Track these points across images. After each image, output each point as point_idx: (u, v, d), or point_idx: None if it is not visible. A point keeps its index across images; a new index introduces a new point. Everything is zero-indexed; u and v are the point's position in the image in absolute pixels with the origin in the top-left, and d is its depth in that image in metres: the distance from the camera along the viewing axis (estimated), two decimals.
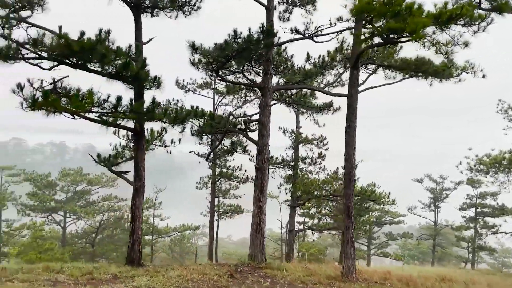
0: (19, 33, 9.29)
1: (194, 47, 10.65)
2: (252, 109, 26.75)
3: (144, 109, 9.43)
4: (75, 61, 9.34)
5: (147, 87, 10.15)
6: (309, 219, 45.51)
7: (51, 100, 7.82)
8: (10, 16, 8.75)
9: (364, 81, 15.27)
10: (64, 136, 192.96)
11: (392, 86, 15.44)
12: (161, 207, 38.38)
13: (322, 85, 17.81)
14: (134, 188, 11.30)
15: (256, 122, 14.24)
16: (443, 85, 12.48)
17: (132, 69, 9.03)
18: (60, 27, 8.13)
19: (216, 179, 25.77)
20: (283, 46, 15.16)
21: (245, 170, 26.51)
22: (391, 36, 8.03)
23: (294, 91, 18.43)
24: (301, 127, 25.63)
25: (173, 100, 16.18)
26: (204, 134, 15.55)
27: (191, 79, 26.58)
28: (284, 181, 28.40)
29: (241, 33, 10.79)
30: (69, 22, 9.38)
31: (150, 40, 11.41)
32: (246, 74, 14.00)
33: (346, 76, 16.28)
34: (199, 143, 25.29)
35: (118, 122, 9.73)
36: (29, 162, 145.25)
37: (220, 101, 25.71)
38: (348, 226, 10.93)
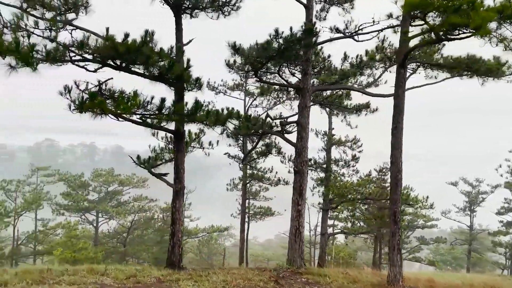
0: (64, 36, 9.36)
1: (235, 48, 10.48)
2: (284, 110, 26.47)
3: (187, 111, 9.30)
4: (118, 63, 9.34)
5: (189, 88, 10.04)
6: (338, 222, 44.85)
7: (98, 102, 7.79)
8: (56, 18, 8.78)
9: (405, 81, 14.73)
10: (94, 137, 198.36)
11: (435, 86, 14.86)
12: (190, 208, 38.56)
13: (355, 86, 17.34)
14: (174, 191, 11.21)
15: (293, 124, 13.96)
16: (492, 84, 11.84)
17: (176, 70, 8.92)
18: (107, 29, 8.11)
19: (247, 181, 25.59)
20: (319, 46, 14.84)
21: (276, 172, 26.24)
22: (451, 32, 7.57)
23: (328, 92, 18.06)
24: (333, 128, 25.15)
25: (204, 102, 16.12)
26: (239, 136, 15.38)
27: (222, 80, 26.56)
28: (316, 183, 27.97)
29: (282, 32, 10.53)
30: (108, 24, 9.35)
31: (190, 41, 11.31)
32: (281, 74, 13.75)
33: (385, 76, 15.77)
34: (231, 145, 25.36)
35: (160, 124, 9.64)
36: (61, 162, 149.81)
37: (251, 103, 25.58)
38: (395, 232, 10.47)
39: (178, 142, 11.09)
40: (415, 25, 10.38)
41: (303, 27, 10.74)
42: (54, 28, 8.67)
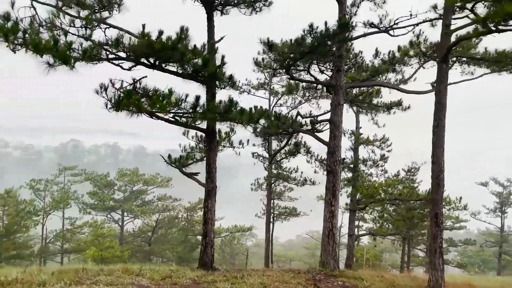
0: (98, 34, 9.30)
1: (268, 44, 10.21)
2: (310, 109, 26.03)
3: (221, 109, 9.09)
4: (152, 61, 9.22)
5: (222, 86, 9.83)
6: (363, 222, 44.08)
7: (134, 100, 7.66)
8: (91, 17, 8.72)
9: None
10: (117, 138, 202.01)
11: (472, 82, 14.23)
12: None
13: (389, 83, 16.80)
14: (206, 190, 11.04)
15: (324, 122, 13.60)
16: None
17: (210, 68, 8.72)
18: (143, 25, 7.97)
19: (272, 181, 25.30)
20: (350, 42, 14.43)
21: (301, 172, 25.85)
22: (505, 23, 7.09)
23: (357, 90, 17.58)
24: (361, 127, 24.60)
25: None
26: (267, 135, 15.11)
27: (246, 79, 26.36)
28: (342, 183, 27.46)
29: (317, 27, 10.21)
30: (136, 22, 9.24)
31: (222, 38, 11.11)
32: (310, 72, 13.41)
33: (420, 72, 15.20)
34: (255, 144, 25.13)
35: (194, 123, 9.47)
36: (85, 162, 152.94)
37: (276, 102, 25.29)
38: (436, 235, 10.00)
39: (210, 141, 10.91)
40: (458, 18, 9.90)
41: (338, 21, 10.38)
42: (89, 26, 8.60)
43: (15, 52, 7.45)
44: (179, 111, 9.17)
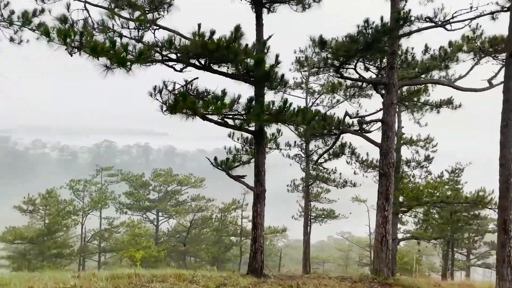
0: (148, 36, 9.14)
1: (321, 42, 9.76)
2: (351, 108, 25.28)
3: (275, 110, 8.73)
4: (203, 63, 8.98)
5: (273, 87, 9.47)
6: (400, 225, 42.66)
7: (189, 102, 7.42)
8: (144, 18, 8.56)
9: (497, 74, 13.31)
10: (148, 138, 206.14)
11: None
12: (248, 209, 38.29)
13: (444, 80, 15.97)
14: (255, 194, 10.72)
15: (374, 123, 13.03)
16: None
17: (263, 68, 8.37)
18: (199, 25, 7.71)
19: (310, 183, 24.77)
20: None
21: (340, 173, 25.15)
22: None
23: (404, 88, 16.83)
24: (403, 127, 23.67)
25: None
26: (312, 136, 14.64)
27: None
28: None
29: (373, 22, 9.68)
30: (181, 22, 9.01)
31: (270, 37, 10.76)
32: (357, 70, 12.86)
33: (459, 69, 14.37)
34: (291, 146, 24.66)
35: (248, 125, 9.16)
36: (118, 162, 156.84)
37: (314, 102, 24.73)
38: (505, 243, 9.26)
39: (259, 143, 10.56)
40: None
41: (395, 16, 9.81)
42: (142, 28, 8.45)
43: (71, 55, 7.35)
44: (230, 112, 8.88)
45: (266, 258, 51.59)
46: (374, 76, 13.87)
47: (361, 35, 9.50)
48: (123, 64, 6.93)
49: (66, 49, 7.03)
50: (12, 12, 10.44)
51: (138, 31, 8.48)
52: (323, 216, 27.71)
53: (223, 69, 9.36)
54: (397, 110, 22.83)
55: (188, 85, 8.68)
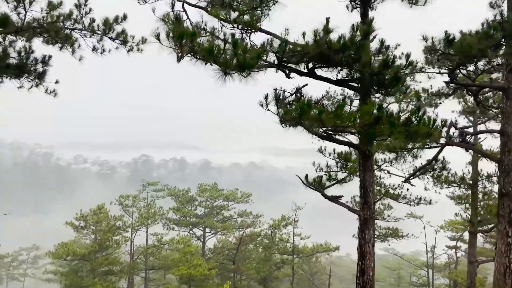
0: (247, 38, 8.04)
1: (448, 39, 8.32)
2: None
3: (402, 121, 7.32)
4: (310, 66, 7.79)
5: (391, 93, 8.09)
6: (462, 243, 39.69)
7: (317, 113, 6.16)
8: (246, 19, 7.46)
9: None
10: (183, 152, 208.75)
11: None
12: (298, 225, 36.60)
13: None
14: (362, 219, 9.30)
15: (480, 134, 11.34)
16: None
17: (395, 70, 7.04)
18: (327, 19, 6.49)
19: (377, 199, 22.92)
20: None
21: (407, 189, 23.21)
22: None
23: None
24: (479, 138, 21.54)
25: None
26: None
27: None
28: (455, 202, 24.45)
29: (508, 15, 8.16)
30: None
31: (374, 37, 9.44)
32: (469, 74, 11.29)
33: None
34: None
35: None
36: (155, 176, 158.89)
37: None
38: None
39: (366, 159, 9.15)
40: None
41: None
42: (246, 30, 7.35)
43: (179, 61, 6.30)
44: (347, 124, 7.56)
45: (313, 276, 49.55)
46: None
47: (495, 30, 7.98)
48: (247, 67, 5.79)
49: (178, 53, 5.96)
50: (93, 20, 9.70)
51: (242, 34, 7.38)
52: (386, 235, 25.68)
53: (328, 74, 8.16)
54: (473, 119, 20.84)
55: (297, 93, 7.46)
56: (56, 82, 10.78)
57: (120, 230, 33.70)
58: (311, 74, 8.02)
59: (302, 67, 7.99)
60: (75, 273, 31.04)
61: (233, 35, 6.44)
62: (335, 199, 10.14)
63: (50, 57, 9.85)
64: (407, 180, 15.20)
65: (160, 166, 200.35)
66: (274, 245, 36.28)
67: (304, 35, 7.21)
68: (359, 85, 8.47)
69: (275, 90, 7.08)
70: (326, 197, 10.21)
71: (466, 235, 39.55)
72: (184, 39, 5.66)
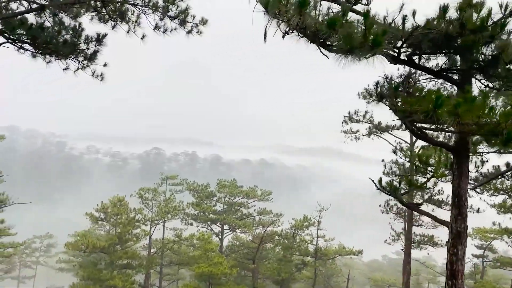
0: None
1: None
2: None
3: None
4: (405, 54, 6.67)
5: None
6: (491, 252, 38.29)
7: (452, 107, 5.04)
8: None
9: None
10: (195, 147, 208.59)
11: None
12: (323, 227, 35.40)
13: None
14: (454, 232, 8.13)
15: None
16: None
17: None
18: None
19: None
20: None
21: (448, 195, 21.99)
22: None
23: None
24: None
25: None
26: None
27: None
28: (497, 210, 23.13)
29: None
30: None
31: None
32: None
33: None
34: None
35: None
36: (166, 169, 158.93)
37: None
38: None
39: (461, 163, 7.99)
40: None
41: None
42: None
43: (284, 38, 5.22)
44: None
45: (330, 278, 48.32)
46: None
47: None
48: (376, 45, 4.69)
49: (286, 27, 4.89)
50: None
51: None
52: (422, 243, 24.46)
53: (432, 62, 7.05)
54: None
55: (406, 82, 6.34)
56: (105, 65, 9.78)
57: (140, 223, 32.89)
58: (409, 61, 6.90)
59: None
60: (94, 265, 30.30)
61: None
62: (415, 206, 9.03)
63: (105, 35, 8.83)
64: (477, 186, 13.96)
65: (171, 159, 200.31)
66: (296, 246, 35.21)
67: (414, 14, 6.12)
68: (462, 77, 7.34)
69: (386, 77, 5.97)
70: (404, 203, 9.09)
71: (494, 243, 38.20)
72: (305, 7, 4.59)
